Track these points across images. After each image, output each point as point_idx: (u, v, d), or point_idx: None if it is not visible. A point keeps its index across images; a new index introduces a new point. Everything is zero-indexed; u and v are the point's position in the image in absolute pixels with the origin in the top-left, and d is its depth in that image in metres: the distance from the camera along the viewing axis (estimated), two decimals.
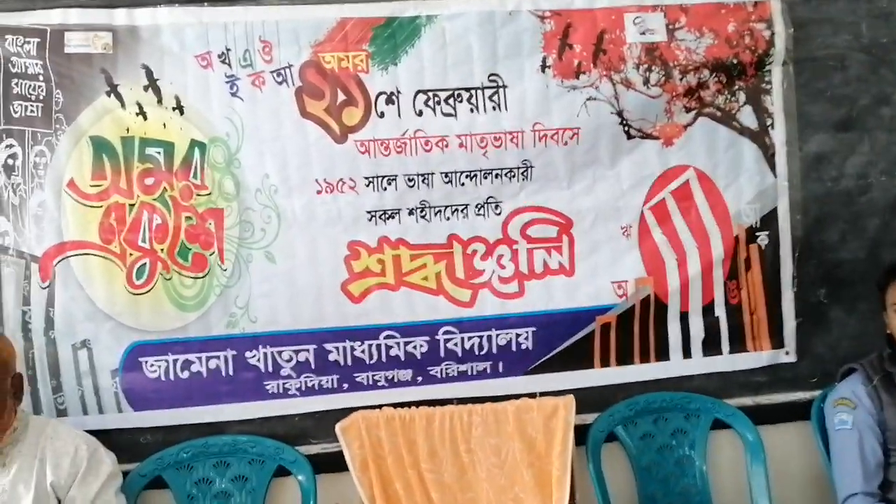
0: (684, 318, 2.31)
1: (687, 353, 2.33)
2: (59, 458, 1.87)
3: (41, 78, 2.05)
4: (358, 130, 2.15)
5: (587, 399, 2.23)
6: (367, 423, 2.16)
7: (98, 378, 2.12)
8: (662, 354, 2.32)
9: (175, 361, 2.15)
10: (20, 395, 1.90)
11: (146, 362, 2.14)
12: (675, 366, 2.33)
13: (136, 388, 2.13)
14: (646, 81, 2.23)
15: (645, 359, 2.31)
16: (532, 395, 2.21)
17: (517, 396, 2.21)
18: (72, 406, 2.11)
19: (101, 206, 2.09)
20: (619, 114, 2.23)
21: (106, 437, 2.02)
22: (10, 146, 2.06)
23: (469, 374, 2.24)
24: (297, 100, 2.13)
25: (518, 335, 2.25)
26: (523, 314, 2.26)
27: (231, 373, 2.17)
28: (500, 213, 2.24)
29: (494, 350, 2.25)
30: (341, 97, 2.15)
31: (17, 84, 2.05)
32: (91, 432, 1.99)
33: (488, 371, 2.25)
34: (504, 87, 2.19)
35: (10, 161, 2.06)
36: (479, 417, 2.18)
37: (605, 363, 2.29)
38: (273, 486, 2.17)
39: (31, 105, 2.06)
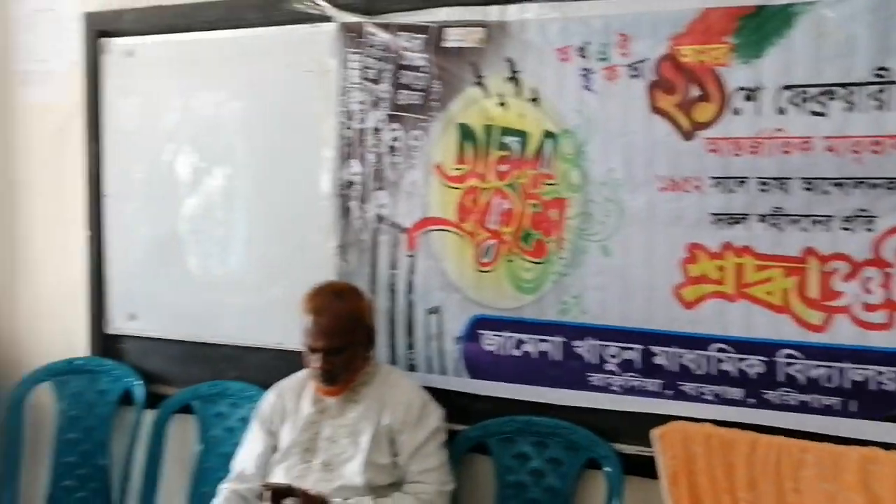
0: None
1: None
2: (396, 405, 2.13)
3: (423, 70, 2.31)
4: (708, 127, 2.03)
5: None
6: (685, 434, 2.06)
7: (444, 342, 2.35)
8: None
9: (509, 339, 2.28)
10: (370, 345, 2.20)
11: (485, 335, 2.30)
12: None
13: (474, 357, 2.31)
14: None
15: None
16: (886, 446, 1.89)
17: (863, 443, 1.91)
18: (421, 364, 2.37)
19: (460, 188, 2.29)
20: None
21: (445, 396, 2.25)
22: (394, 129, 2.36)
23: (811, 406, 1.99)
24: (649, 94, 2.08)
25: (880, 374, 1.93)
26: (890, 350, 1.93)
27: (558, 358, 2.23)
28: (872, 230, 1.92)
29: (847, 385, 1.96)
30: (695, 92, 2.04)
31: (405, 75, 2.34)
32: (433, 390, 2.24)
33: (837, 408, 1.97)
34: (894, 82, 1.87)
35: (393, 143, 2.37)
36: (813, 457, 1.94)
37: None
38: (583, 476, 2.20)
39: (414, 94, 2.33)
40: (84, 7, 2.75)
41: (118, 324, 2.79)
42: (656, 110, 2.08)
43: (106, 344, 2.80)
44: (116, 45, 2.72)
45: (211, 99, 2.64)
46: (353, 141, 2.41)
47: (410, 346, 2.38)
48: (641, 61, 2.08)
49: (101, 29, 2.73)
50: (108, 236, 2.79)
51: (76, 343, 2.84)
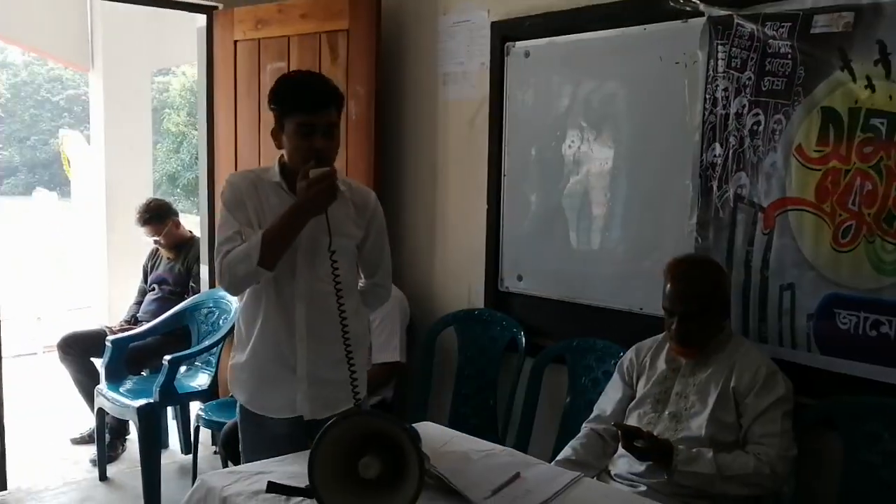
0: None
1: None
2: (743, 371, 2.30)
3: (788, 56, 2.41)
4: None
5: None
6: None
7: (795, 318, 2.44)
8: None
9: (865, 319, 2.30)
10: (724, 314, 2.39)
11: (839, 314, 2.35)
12: None
13: (826, 334, 2.38)
14: None
15: None
16: None
17: None
18: (771, 337, 2.50)
19: (820, 170, 2.36)
20: None
21: (793, 369, 2.36)
22: (756, 115, 2.49)
23: None
24: None
25: None
26: None
27: None
28: None
29: None
30: None
31: (769, 63, 2.46)
32: (782, 363, 2.36)
33: None
34: None
35: (754, 127, 2.50)
36: None
37: None
38: None
39: (777, 80, 2.44)
40: (492, 17, 3.29)
41: (508, 282, 3.32)
42: None
43: (498, 299, 3.35)
44: (517, 47, 3.22)
45: (592, 90, 3.01)
46: (717, 126, 2.59)
47: (762, 320, 2.52)
48: None
49: (505, 35, 3.25)
50: (504, 209, 3.32)
51: (475, 296, 3.45)
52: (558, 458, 2.46)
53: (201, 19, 4.16)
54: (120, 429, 4.22)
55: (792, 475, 2.31)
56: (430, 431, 2.35)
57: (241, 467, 2.12)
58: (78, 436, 4.43)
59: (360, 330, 2.36)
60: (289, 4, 3.80)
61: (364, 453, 1.78)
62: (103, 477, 3.94)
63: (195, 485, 2.00)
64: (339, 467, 1.78)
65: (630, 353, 2.57)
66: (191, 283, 4.40)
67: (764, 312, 2.51)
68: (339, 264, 2.14)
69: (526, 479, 1.99)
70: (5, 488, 3.65)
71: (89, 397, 4.08)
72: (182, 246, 4.52)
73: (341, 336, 2.12)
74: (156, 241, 4.57)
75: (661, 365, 2.45)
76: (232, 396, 3.14)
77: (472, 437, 2.37)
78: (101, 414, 3.91)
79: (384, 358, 3.23)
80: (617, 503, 1.98)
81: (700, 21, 2.62)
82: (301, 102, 2.13)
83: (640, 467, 2.30)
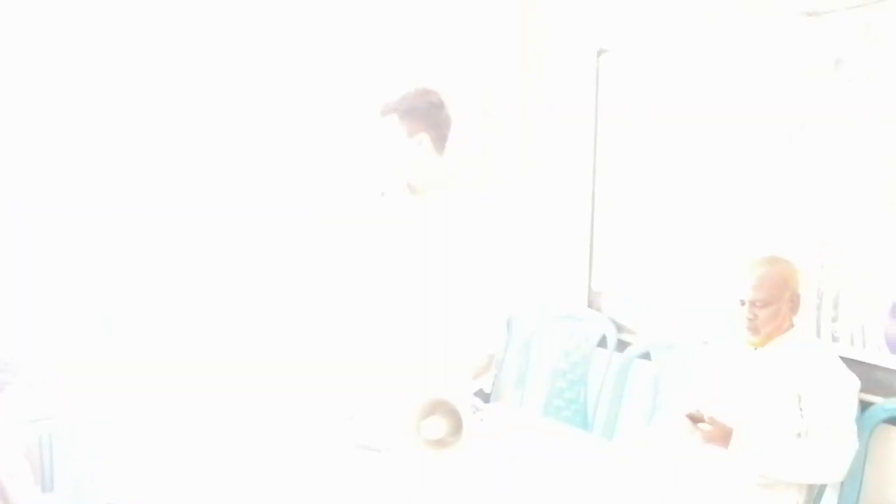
0: None
1: None
2: (809, 367, 2.35)
3: None
4: None
5: None
6: None
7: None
8: None
9: None
10: (796, 309, 2.46)
11: None
12: None
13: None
14: None
15: None
16: None
17: None
18: (843, 337, 2.59)
19: None
20: None
21: (861, 367, 2.45)
22: None
23: None
24: None
25: None
26: None
27: None
28: None
29: None
30: None
31: None
32: (851, 361, 2.43)
33: None
34: None
35: None
36: None
37: None
38: None
39: None
40: None
41: (599, 283, 3.53)
42: None
43: (591, 298, 3.58)
44: None
45: None
46: None
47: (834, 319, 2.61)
48: None
49: None
50: None
51: (571, 295, 3.67)
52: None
53: None
54: None
55: (858, 471, 2.38)
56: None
57: None
58: None
59: None
60: None
61: None
62: None
63: None
64: None
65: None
66: None
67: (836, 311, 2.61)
68: None
69: None
70: None
71: None
72: None
73: None
74: None
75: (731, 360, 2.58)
76: None
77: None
78: None
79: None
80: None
81: None
82: None
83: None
